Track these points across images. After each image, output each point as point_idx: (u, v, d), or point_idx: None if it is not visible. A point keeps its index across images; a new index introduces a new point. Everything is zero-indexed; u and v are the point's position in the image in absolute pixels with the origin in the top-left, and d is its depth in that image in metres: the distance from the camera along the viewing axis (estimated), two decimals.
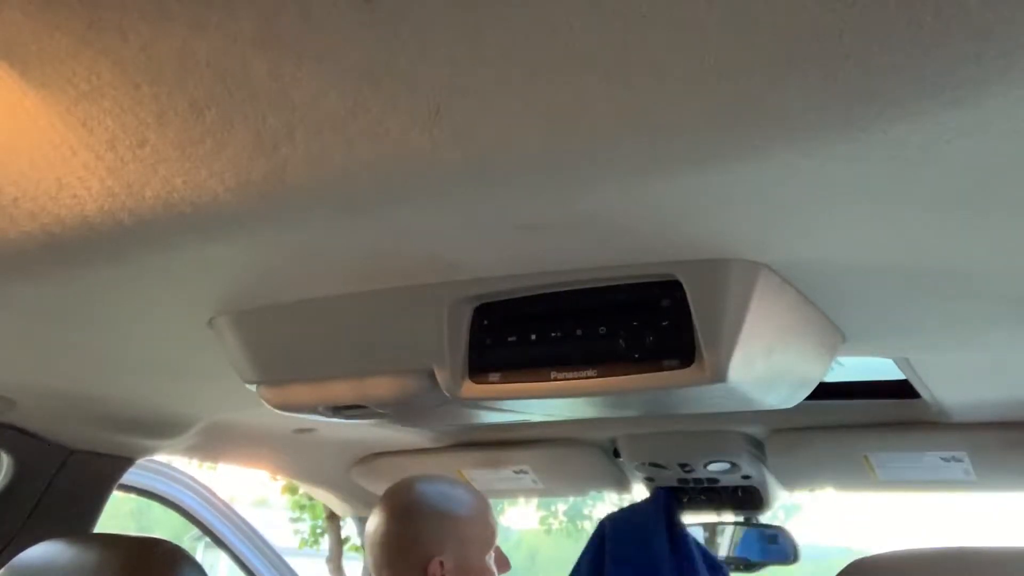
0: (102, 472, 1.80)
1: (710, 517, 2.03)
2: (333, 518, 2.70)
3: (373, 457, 2.10)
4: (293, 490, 6.29)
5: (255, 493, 9.15)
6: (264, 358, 1.13)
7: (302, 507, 6.60)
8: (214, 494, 2.38)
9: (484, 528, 1.47)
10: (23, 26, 0.55)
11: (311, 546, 6.63)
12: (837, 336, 1.04)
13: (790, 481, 1.88)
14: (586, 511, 10.85)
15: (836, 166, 0.62)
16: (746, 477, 1.81)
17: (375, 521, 1.47)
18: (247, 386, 1.19)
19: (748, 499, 1.89)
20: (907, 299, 0.93)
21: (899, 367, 1.25)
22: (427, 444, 2.00)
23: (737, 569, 2.02)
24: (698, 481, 1.87)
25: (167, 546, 1.34)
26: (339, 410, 1.15)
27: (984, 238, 0.76)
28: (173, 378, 1.41)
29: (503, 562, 1.51)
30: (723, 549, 2.04)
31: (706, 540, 2.06)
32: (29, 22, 0.55)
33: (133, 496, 2.23)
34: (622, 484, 1.98)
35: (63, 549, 1.35)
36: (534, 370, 0.93)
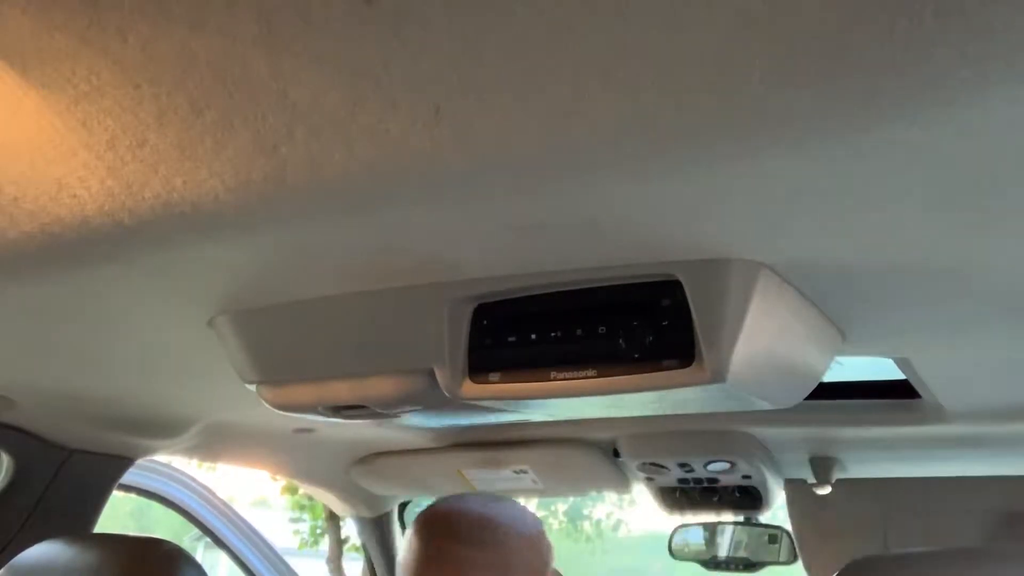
0: (102, 472, 1.80)
1: (710, 517, 2.04)
2: (333, 518, 2.70)
3: (373, 457, 2.10)
4: (293, 490, 6.29)
5: (255, 493, 9.16)
6: (264, 358, 1.13)
7: (302, 507, 6.61)
8: (214, 494, 2.38)
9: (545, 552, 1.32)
10: (23, 26, 0.55)
11: (311, 547, 6.63)
12: (837, 336, 1.04)
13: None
14: (586, 511, 10.85)
15: (836, 166, 0.62)
16: (746, 477, 1.81)
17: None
18: (247, 386, 1.19)
19: (748, 499, 1.89)
20: (907, 299, 0.93)
21: (899, 367, 1.25)
22: (427, 444, 2.00)
23: (737, 569, 2.02)
24: (698, 481, 1.87)
25: (167, 546, 1.34)
26: (339, 410, 1.15)
27: (984, 238, 0.76)
28: (173, 378, 1.41)
29: None
30: (723, 549, 2.05)
31: (706, 540, 2.06)
32: (29, 22, 0.55)
33: (133, 496, 2.23)
34: (622, 484, 1.98)
35: (63, 549, 1.35)
36: (534, 370, 0.93)
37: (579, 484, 2.13)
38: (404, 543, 1.32)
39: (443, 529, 1.27)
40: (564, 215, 0.74)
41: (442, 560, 1.24)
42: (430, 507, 1.35)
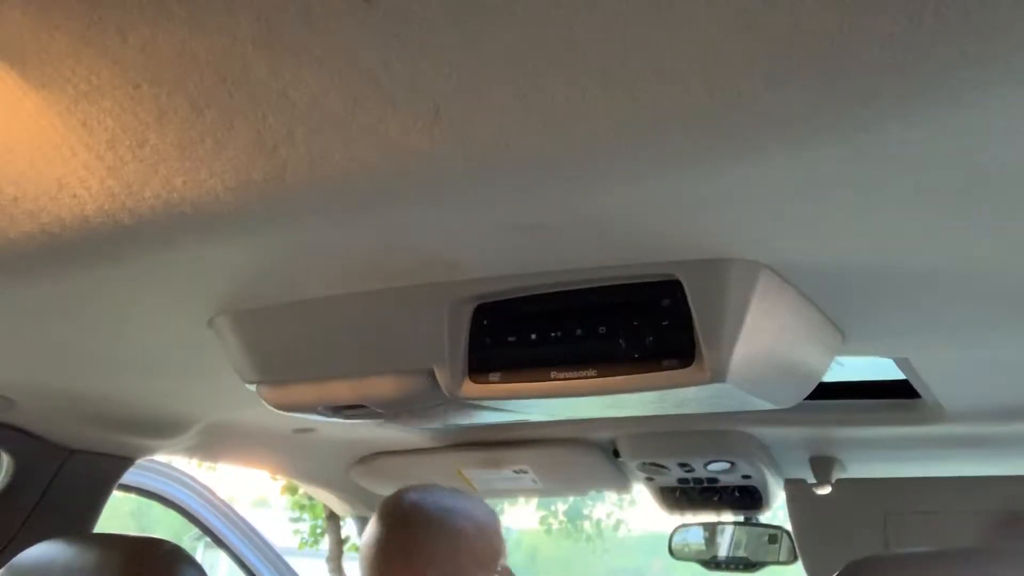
0: (102, 472, 1.80)
1: (710, 517, 2.04)
2: (333, 518, 2.70)
3: (373, 457, 2.10)
4: (293, 490, 6.29)
5: (255, 493, 9.15)
6: (264, 358, 1.13)
7: (302, 507, 6.61)
8: (214, 494, 2.38)
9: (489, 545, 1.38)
10: (23, 26, 0.55)
11: (311, 546, 6.62)
12: (837, 336, 1.04)
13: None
14: (586, 511, 10.86)
15: (836, 166, 0.62)
16: (746, 477, 1.82)
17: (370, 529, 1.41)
18: (247, 386, 1.19)
19: (748, 499, 1.90)
20: (907, 299, 0.93)
21: (899, 367, 1.25)
22: (427, 444, 2.00)
23: (737, 569, 2.02)
24: (698, 481, 1.87)
25: (167, 546, 1.34)
26: (339, 410, 1.15)
27: (984, 238, 0.76)
28: (173, 378, 1.41)
29: None
30: (723, 549, 2.05)
31: (706, 540, 2.06)
32: (29, 22, 0.55)
33: (133, 496, 2.23)
34: (622, 484, 1.99)
35: (63, 549, 1.35)
36: (534, 370, 0.93)
37: (579, 484, 2.14)
38: (366, 528, 1.39)
39: (400, 517, 1.38)
40: (564, 215, 0.74)
41: (395, 546, 1.34)
42: (392, 495, 1.44)
